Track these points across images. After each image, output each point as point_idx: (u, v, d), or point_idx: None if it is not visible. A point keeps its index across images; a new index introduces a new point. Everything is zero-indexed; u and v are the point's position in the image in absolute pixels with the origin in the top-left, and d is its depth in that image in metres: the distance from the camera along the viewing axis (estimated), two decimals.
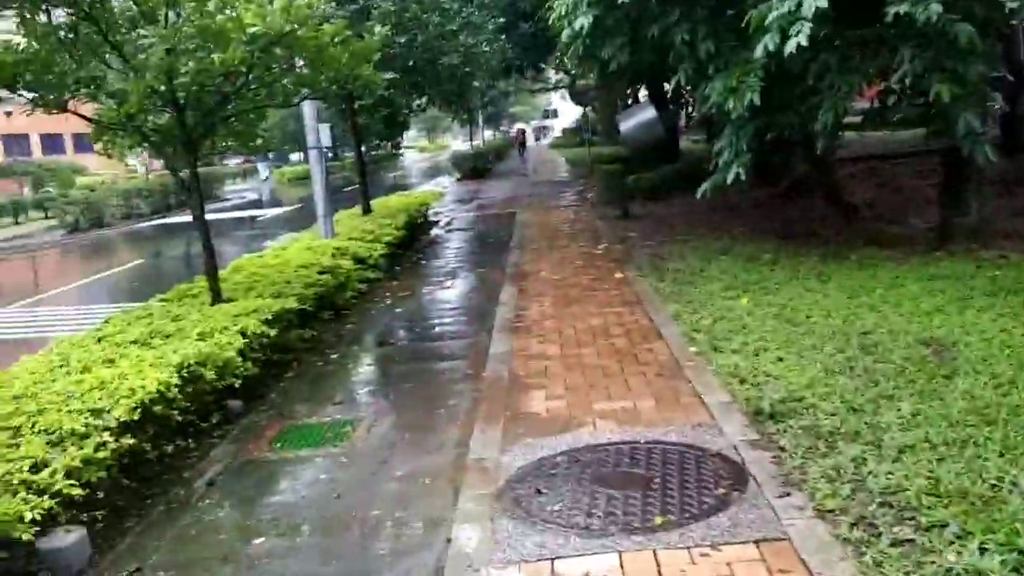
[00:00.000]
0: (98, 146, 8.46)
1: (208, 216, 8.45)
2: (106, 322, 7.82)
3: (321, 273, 9.75)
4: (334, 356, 8.63)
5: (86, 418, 4.82)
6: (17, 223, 34.91)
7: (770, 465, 4.88)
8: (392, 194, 21.42)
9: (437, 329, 9.61)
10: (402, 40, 14.42)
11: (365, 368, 8.36)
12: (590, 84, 34.61)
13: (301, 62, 8.27)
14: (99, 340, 6.84)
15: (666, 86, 25.62)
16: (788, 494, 4.47)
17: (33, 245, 27.92)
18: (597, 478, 4.95)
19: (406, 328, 9.84)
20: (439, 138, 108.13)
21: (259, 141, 9.30)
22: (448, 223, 20.52)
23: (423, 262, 14.61)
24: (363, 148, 39.77)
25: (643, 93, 34.02)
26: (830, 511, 4.21)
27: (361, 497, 5.16)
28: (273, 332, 7.34)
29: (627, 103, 39.11)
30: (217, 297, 8.26)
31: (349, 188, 28.44)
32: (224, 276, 9.81)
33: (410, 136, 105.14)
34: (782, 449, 5.07)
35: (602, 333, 8.33)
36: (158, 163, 49.94)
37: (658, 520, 4.34)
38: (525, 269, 12.45)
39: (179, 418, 5.74)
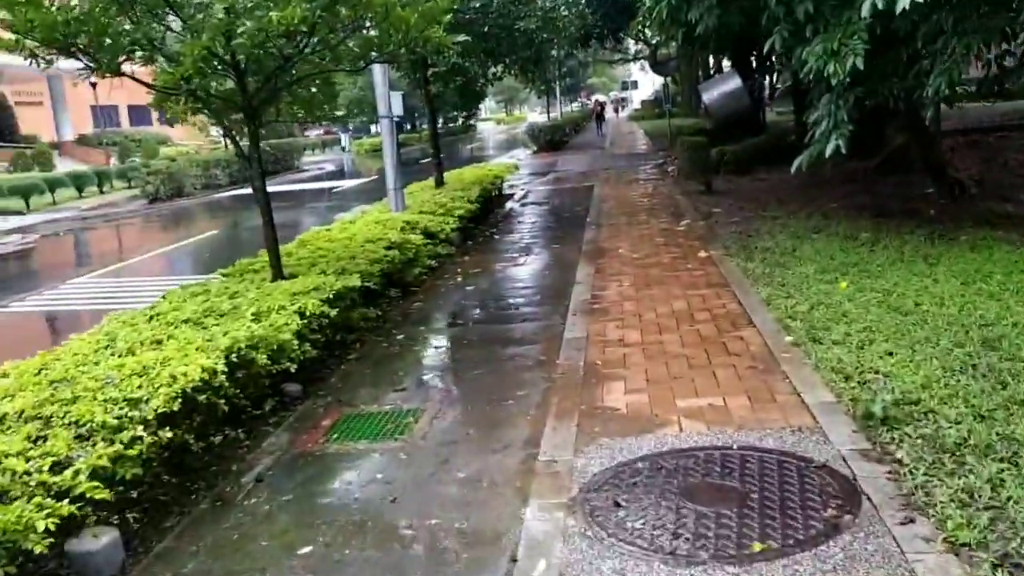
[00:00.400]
0: (169, 113, 8.10)
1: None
2: (163, 298, 7.48)
3: (388, 248, 9.28)
4: (399, 337, 8.15)
5: (121, 408, 4.40)
6: (102, 192, 35.52)
7: (887, 482, 4.22)
8: (469, 166, 20.90)
9: (509, 310, 9.07)
10: (477, 4, 13.82)
11: (431, 351, 7.85)
12: (671, 53, 33.63)
13: (368, 24, 7.74)
14: (151, 318, 6.47)
15: (752, 54, 24.62)
16: (911, 520, 3.82)
17: (115, 214, 28.28)
18: (684, 490, 4.35)
19: (476, 308, 9.32)
20: (516, 110, 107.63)
21: (326, 108, 8.82)
22: (523, 196, 19.94)
23: (496, 237, 14.07)
24: (440, 119, 39.44)
25: (726, 63, 32.83)
26: (965, 545, 3.55)
27: (419, 502, 4.65)
28: (334, 312, 6.89)
29: (709, 73, 37.94)
30: (278, 273, 7.86)
31: (425, 160, 28.05)
32: (290, 250, 9.46)
33: (488, 108, 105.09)
34: (899, 462, 4.41)
35: (686, 318, 7.69)
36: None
37: (757, 547, 3.73)
38: (603, 246, 11.82)
39: (226, 407, 5.29)
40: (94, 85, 35.01)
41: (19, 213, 29.75)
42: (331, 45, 7.76)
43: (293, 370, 6.15)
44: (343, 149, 58.38)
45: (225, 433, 5.63)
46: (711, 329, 7.26)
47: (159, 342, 5.64)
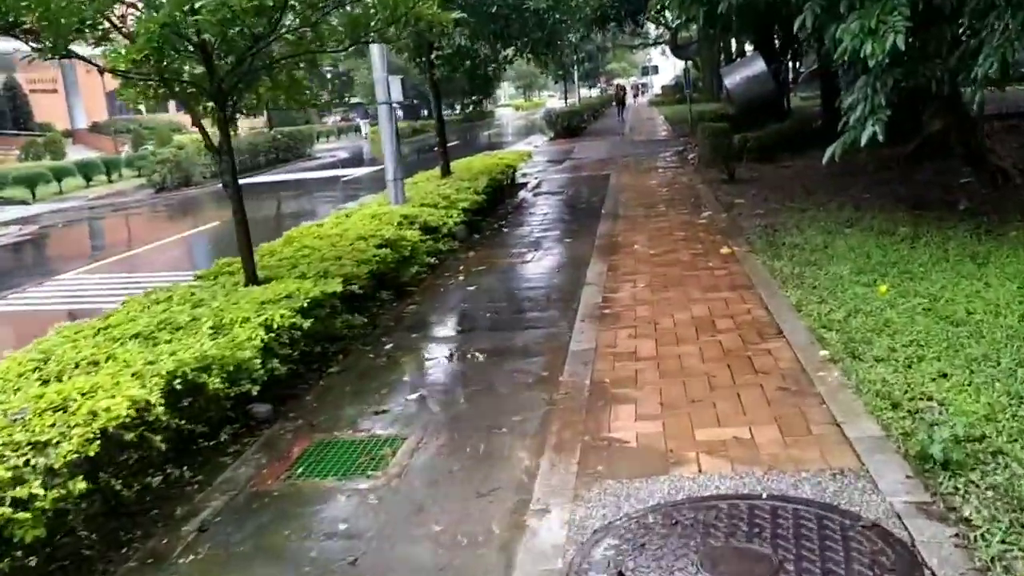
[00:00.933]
0: (126, 100, 7.36)
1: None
2: (124, 303, 6.75)
3: (380, 247, 8.47)
4: (388, 346, 7.37)
5: (23, 455, 3.65)
6: (111, 181, 34.96)
7: (954, 550, 3.42)
8: (482, 153, 20.03)
9: (511, 314, 8.24)
10: None
11: (421, 364, 7.04)
12: (692, 37, 32.63)
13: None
14: (99, 331, 5.72)
15: (776, 35, 23.62)
16: None
17: (121, 204, 27.69)
18: (704, 556, 3.55)
19: (475, 312, 8.50)
20: (535, 95, 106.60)
21: (308, 95, 8.03)
22: (536, 186, 19.09)
23: (505, 230, 13.24)
24: (457, 105, 38.62)
25: (748, 47, 31.81)
26: None
27: (383, 565, 3.87)
28: (307, 323, 6.10)
29: (732, 57, 36.89)
30: (251, 277, 7.09)
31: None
32: (273, 249, 8.72)
33: (507, 93, 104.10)
34: (967, 522, 3.60)
35: (707, 326, 6.87)
36: (258, 122, 49.91)
37: None
38: (617, 241, 11.00)
39: (164, 444, 4.51)
40: (101, 73, 34.46)
41: (24, 203, 29.21)
42: (311, 23, 6.96)
43: (255, 392, 5.38)
44: (364, 136, 57.46)
45: (167, 472, 4.86)
46: (735, 340, 6.44)
47: (96, 363, 4.89)
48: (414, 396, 6.10)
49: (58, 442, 3.77)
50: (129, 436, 4.14)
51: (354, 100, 62.89)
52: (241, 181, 26.66)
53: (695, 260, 9.39)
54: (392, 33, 7.46)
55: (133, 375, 4.51)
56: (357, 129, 60.85)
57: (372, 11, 6.90)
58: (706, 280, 8.42)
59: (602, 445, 4.80)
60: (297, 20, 6.89)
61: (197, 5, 5.76)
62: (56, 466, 3.65)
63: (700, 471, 4.35)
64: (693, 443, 4.69)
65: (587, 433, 4.98)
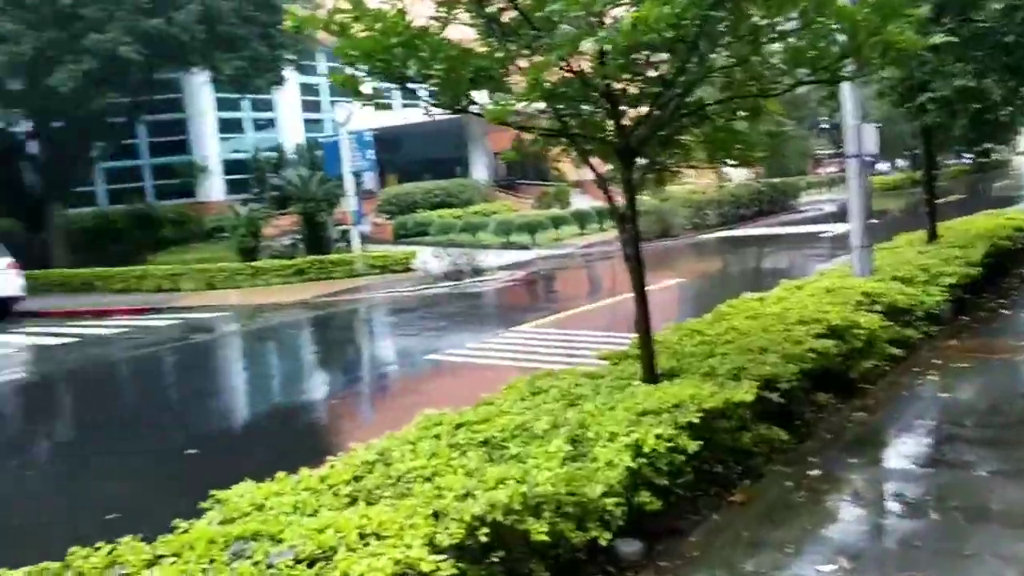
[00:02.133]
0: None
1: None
2: (508, 388, 5.96)
3: (820, 337, 6.76)
4: (814, 471, 5.65)
5: None
6: (602, 229, 36.50)
7: None
8: (992, 212, 16.81)
9: (993, 446, 5.98)
10: (998, 6, 10.51)
11: (851, 509, 5.18)
12: None
13: (791, 25, 5.45)
14: (457, 427, 4.88)
15: None
16: None
17: (603, 253, 28.38)
18: None
19: (944, 434, 6.34)
20: None
21: (740, 148, 6.64)
22: None
23: (1004, 312, 10.47)
24: (966, 154, 34.02)
25: None
26: None
27: None
28: (695, 445, 4.71)
29: None
30: (648, 371, 5.87)
31: (939, 201, 23.87)
32: (698, 327, 7.52)
33: None
34: None
35: None
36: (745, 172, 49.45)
37: None
38: None
39: None
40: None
41: (524, 248, 31.48)
42: (743, 59, 5.62)
43: (605, 542, 4.13)
44: None
45: None
46: None
47: (416, 481, 4.02)
48: (828, 568, 4.39)
49: None
50: None
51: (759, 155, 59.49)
52: (723, 234, 26.27)
53: None
54: (850, 70, 5.82)
55: (434, 514, 3.53)
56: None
57: (822, 42, 5.35)
58: None
59: None
60: (725, 57, 5.59)
61: (586, 43, 4.75)
62: None
63: None
64: None
65: None
